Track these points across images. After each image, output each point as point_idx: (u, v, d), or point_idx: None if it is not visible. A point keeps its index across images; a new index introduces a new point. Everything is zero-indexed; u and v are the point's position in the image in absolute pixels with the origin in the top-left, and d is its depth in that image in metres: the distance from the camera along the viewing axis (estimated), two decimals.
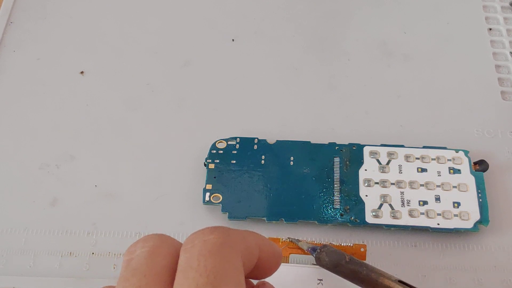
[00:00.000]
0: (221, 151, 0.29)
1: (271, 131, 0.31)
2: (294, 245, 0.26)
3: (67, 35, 0.35)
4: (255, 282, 0.19)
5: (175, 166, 0.30)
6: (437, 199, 0.28)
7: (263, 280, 0.19)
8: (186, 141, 0.31)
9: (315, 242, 0.27)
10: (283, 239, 0.26)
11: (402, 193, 0.28)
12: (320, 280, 0.25)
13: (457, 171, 0.28)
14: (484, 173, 0.28)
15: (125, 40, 0.35)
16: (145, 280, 0.16)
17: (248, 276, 0.18)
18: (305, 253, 0.26)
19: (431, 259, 0.27)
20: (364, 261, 0.24)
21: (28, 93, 0.33)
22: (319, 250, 0.24)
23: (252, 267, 0.18)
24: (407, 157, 0.29)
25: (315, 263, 0.25)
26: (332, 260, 0.24)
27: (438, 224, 0.27)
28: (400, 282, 0.23)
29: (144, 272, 0.16)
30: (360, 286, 0.23)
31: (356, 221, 0.27)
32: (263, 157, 0.29)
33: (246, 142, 0.30)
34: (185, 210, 0.28)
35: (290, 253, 0.26)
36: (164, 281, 0.16)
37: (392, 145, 0.29)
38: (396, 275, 0.26)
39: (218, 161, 0.29)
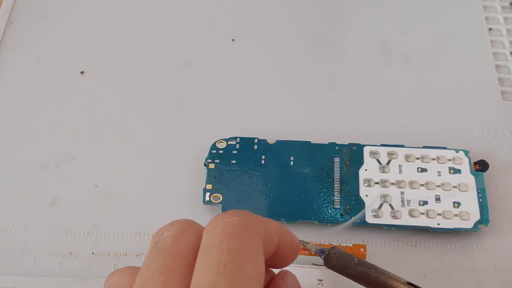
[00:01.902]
0: (221, 151, 0.29)
1: (271, 131, 0.31)
2: None
3: (67, 35, 0.35)
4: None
5: (175, 166, 0.30)
6: (437, 199, 0.28)
7: (284, 269, 0.19)
8: (186, 141, 0.31)
9: (315, 242, 0.27)
10: None
11: (402, 193, 0.28)
12: (320, 280, 0.25)
13: (457, 171, 0.28)
14: (484, 173, 0.28)
15: (125, 40, 0.35)
16: (170, 260, 0.16)
17: (266, 263, 0.18)
18: (305, 254, 0.26)
19: (431, 259, 0.27)
20: (373, 263, 0.24)
21: (28, 93, 0.33)
22: (327, 252, 0.24)
23: (271, 254, 0.18)
24: (407, 157, 0.29)
25: (315, 263, 0.25)
26: (341, 262, 0.24)
27: (438, 224, 0.27)
28: (409, 284, 0.23)
29: (169, 253, 0.17)
30: None
31: (356, 221, 0.27)
32: (263, 157, 0.29)
33: (246, 142, 0.30)
34: (185, 210, 0.28)
35: None
36: (188, 262, 0.16)
37: (392, 145, 0.29)
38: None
39: (218, 161, 0.29)
